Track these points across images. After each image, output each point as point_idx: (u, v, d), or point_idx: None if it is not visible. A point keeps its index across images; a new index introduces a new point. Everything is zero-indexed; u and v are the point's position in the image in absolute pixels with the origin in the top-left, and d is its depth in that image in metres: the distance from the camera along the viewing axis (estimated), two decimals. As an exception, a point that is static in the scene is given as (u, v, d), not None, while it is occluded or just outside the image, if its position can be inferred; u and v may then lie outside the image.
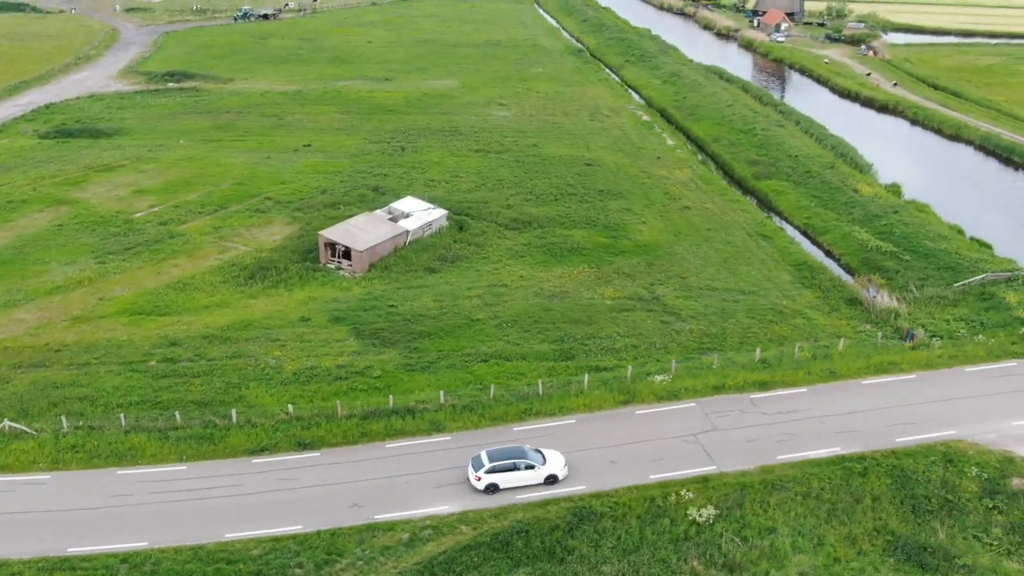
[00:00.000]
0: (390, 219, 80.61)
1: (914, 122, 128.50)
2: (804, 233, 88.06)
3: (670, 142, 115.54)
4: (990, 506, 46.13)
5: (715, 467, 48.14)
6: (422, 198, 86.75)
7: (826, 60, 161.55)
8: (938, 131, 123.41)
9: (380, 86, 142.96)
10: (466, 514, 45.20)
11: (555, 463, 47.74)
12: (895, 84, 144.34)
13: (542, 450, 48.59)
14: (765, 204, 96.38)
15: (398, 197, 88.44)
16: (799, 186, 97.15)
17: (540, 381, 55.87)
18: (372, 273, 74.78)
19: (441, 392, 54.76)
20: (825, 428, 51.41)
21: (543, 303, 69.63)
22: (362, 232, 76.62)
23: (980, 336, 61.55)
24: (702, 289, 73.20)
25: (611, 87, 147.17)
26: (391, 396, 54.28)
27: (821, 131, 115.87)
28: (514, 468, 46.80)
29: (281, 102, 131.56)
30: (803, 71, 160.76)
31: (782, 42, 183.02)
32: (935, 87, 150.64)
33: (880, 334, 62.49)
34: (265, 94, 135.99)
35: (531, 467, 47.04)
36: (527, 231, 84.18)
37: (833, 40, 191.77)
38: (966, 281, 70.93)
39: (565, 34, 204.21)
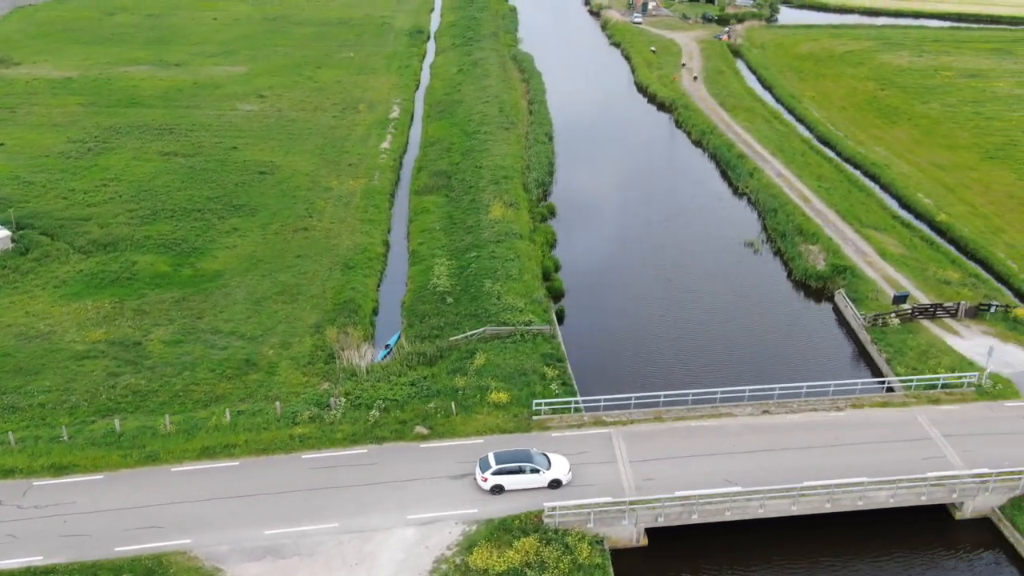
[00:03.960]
0: (-67, 244, 76.98)
1: (678, 124, 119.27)
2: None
3: (385, 145, 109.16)
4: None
5: None
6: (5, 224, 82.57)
7: (652, 49, 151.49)
8: (688, 134, 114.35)
9: (162, 73, 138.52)
10: None
11: (560, 468, 48.25)
12: (695, 78, 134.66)
13: (548, 454, 49.41)
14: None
15: (20, 209, 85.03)
16: (449, 203, 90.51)
17: None
18: None
19: None
20: (62, 529, 46.16)
21: (11, 346, 65.42)
22: None
23: (374, 411, 55.45)
24: (205, 332, 68.06)
25: (404, 77, 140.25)
26: None
27: (543, 136, 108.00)
28: (519, 471, 47.40)
29: (38, 91, 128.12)
30: (627, 59, 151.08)
31: (639, 23, 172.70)
32: (761, 79, 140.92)
33: (278, 404, 56.89)
34: (31, 82, 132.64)
35: (536, 471, 47.60)
36: (98, 255, 79.69)
37: (708, 21, 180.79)
38: (459, 336, 64.63)
39: (439, 11, 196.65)
